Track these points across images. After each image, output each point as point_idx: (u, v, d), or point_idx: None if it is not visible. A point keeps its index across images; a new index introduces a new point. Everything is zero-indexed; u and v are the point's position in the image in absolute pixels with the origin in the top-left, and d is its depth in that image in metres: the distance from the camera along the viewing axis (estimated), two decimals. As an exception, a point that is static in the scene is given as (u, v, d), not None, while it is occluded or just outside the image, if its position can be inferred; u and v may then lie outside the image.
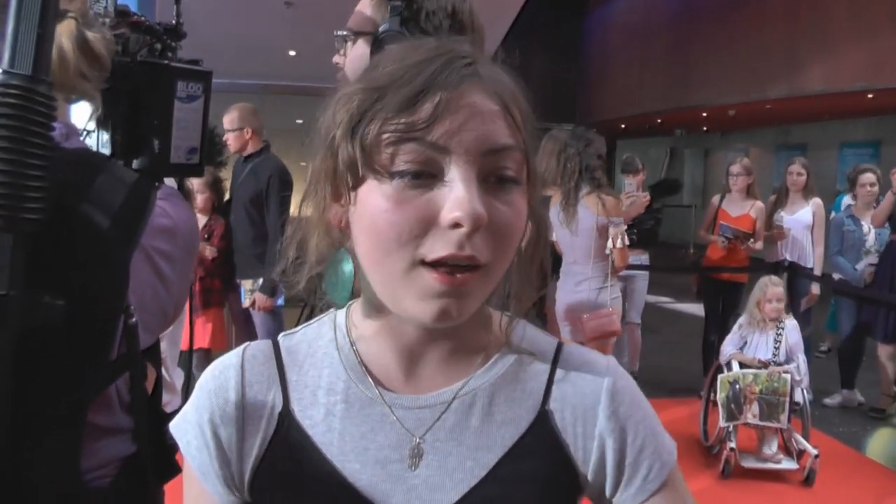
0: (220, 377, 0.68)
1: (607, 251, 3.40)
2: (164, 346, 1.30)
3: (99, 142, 1.08)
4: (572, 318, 3.48)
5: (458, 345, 0.67)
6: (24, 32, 0.76)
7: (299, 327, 0.74)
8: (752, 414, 3.55)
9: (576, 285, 3.47)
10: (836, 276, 5.03)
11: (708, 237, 4.98)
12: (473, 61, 0.60)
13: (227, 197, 4.20)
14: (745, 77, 10.18)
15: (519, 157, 0.60)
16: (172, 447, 1.07)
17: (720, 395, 3.60)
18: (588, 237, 3.40)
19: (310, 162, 0.65)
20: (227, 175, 4.23)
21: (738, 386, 3.57)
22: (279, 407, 0.67)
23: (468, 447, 0.65)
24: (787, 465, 3.62)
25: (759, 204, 4.85)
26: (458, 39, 0.64)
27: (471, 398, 0.66)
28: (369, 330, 0.68)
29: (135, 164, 1.08)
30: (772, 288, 3.76)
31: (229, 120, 3.88)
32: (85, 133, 1.07)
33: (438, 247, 0.56)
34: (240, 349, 0.71)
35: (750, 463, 3.61)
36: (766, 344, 3.73)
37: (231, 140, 3.90)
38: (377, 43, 1.19)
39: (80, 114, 1.05)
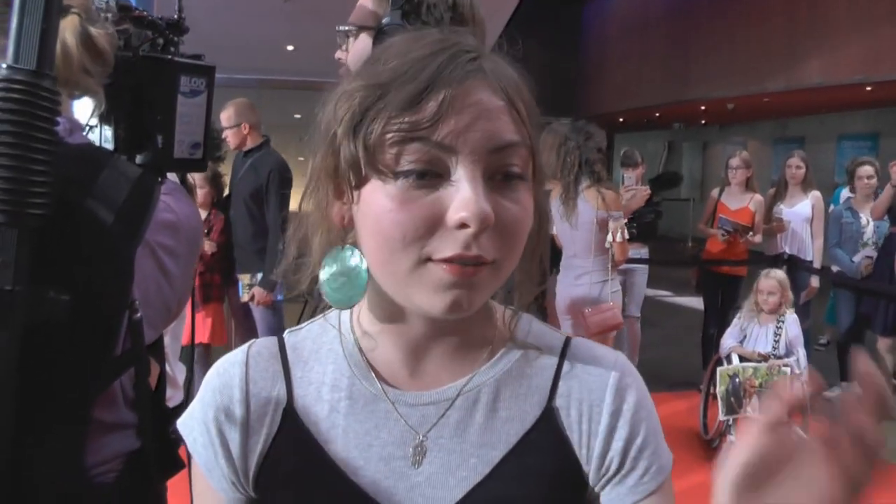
0: (224, 374, 0.68)
1: (607, 245, 3.41)
2: (166, 340, 1.30)
3: (102, 137, 1.07)
4: (573, 313, 3.48)
5: (464, 340, 0.67)
6: (28, 28, 0.75)
7: (304, 324, 0.73)
8: (751, 407, 3.55)
9: (576, 279, 3.48)
10: (834, 268, 5.04)
11: (707, 230, 4.98)
12: (478, 55, 0.58)
13: (226, 192, 4.18)
14: (743, 70, 10.18)
15: (525, 153, 0.59)
16: (176, 442, 1.07)
17: (720, 389, 3.60)
18: (588, 231, 3.41)
19: (309, 157, 0.63)
20: (226, 170, 4.20)
21: (737, 379, 3.58)
22: (283, 403, 0.67)
23: (472, 444, 0.65)
24: (787, 457, 3.63)
25: (758, 197, 4.85)
26: (460, 31, 0.62)
27: (475, 394, 0.66)
28: (374, 326, 0.67)
29: (138, 159, 1.07)
30: (764, 280, 3.77)
31: (226, 117, 3.83)
32: (88, 128, 1.06)
33: (445, 247, 0.55)
34: (245, 346, 0.71)
35: (750, 456, 3.62)
36: (765, 337, 3.74)
37: (229, 137, 3.86)
38: (379, 37, 1.18)
39: (84, 109, 1.05)
